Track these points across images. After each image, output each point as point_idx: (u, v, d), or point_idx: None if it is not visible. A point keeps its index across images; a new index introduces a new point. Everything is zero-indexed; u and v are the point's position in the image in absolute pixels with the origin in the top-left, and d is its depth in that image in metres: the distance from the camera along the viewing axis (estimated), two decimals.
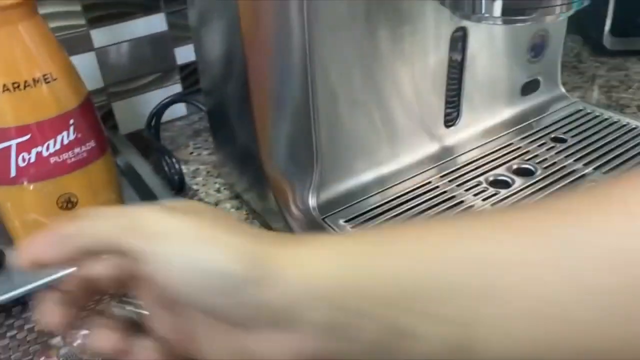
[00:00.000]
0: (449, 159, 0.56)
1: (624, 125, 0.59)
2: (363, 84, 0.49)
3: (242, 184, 0.62)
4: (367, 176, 0.52)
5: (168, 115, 0.85)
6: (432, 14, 0.50)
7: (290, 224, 0.51)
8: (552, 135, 0.58)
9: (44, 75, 0.49)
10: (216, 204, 0.65)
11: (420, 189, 0.52)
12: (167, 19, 0.80)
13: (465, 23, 0.51)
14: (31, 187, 0.51)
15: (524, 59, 0.59)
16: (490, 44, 0.56)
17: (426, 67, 0.52)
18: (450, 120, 0.57)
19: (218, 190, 0.68)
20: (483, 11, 0.42)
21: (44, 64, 0.49)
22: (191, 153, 0.77)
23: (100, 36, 0.76)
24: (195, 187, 0.69)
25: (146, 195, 0.66)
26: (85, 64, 0.75)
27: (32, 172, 0.51)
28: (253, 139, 0.53)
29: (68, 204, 0.54)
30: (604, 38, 0.92)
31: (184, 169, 0.73)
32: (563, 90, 0.64)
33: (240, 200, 0.65)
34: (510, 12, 0.42)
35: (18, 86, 0.48)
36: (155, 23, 0.79)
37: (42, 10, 0.68)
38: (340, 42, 0.46)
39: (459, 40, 0.53)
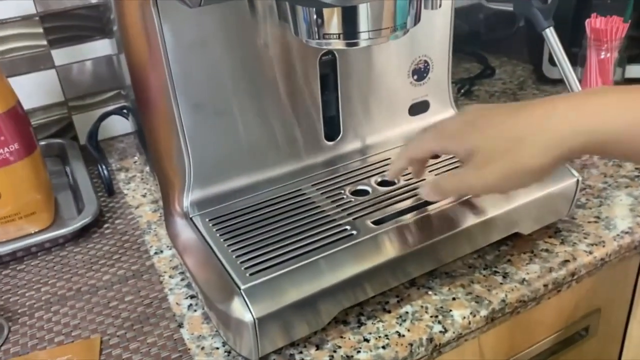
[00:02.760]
0: (325, 170, 0.61)
1: None
2: (233, 97, 0.55)
3: (158, 190, 0.68)
4: (238, 182, 0.58)
5: (125, 128, 0.93)
6: (296, 38, 0.55)
7: (170, 223, 0.57)
8: None
9: None
10: (137, 206, 0.72)
11: (288, 195, 0.58)
12: None
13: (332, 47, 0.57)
14: None
15: (407, 82, 0.64)
16: (367, 69, 0.61)
17: (298, 87, 0.58)
18: (331, 135, 0.62)
19: (144, 195, 0.75)
20: (317, 37, 0.48)
21: None
22: (135, 162, 0.84)
23: (61, 55, 0.85)
24: (126, 191, 0.76)
25: (79, 197, 0.74)
26: (46, 80, 0.85)
27: None
28: (150, 150, 0.60)
29: None
30: (543, 67, 0.95)
31: (123, 175, 0.81)
32: (454, 111, 0.68)
33: (157, 204, 0.72)
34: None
35: None
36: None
37: (4, 32, 0.78)
38: (200, 61, 0.52)
39: (329, 63, 0.59)
